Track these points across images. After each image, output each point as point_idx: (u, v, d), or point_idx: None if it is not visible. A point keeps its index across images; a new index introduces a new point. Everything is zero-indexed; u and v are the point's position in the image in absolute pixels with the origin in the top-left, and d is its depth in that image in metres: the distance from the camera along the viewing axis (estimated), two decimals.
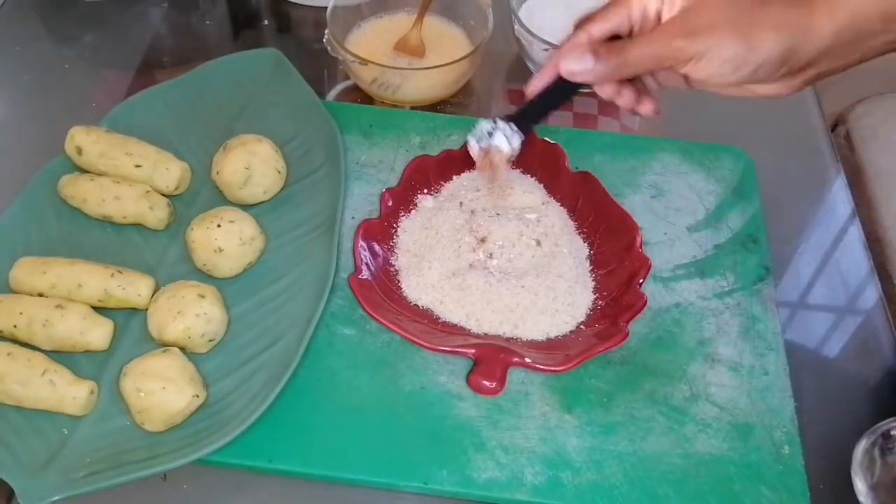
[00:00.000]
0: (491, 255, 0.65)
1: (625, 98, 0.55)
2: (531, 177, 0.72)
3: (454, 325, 0.63)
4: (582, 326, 0.63)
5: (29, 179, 0.68)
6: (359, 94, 0.82)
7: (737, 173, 0.73)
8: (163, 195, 0.67)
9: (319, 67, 0.84)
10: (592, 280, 0.66)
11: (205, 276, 0.64)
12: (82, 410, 0.56)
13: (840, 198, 0.76)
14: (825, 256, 0.71)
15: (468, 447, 0.57)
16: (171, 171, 0.68)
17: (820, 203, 0.76)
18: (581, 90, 0.55)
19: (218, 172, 0.67)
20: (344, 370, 0.60)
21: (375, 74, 0.77)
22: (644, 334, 0.63)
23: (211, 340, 0.60)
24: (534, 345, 0.62)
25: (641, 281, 0.64)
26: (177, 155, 0.70)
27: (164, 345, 0.59)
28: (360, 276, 0.64)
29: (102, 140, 0.68)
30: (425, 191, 0.71)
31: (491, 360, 0.59)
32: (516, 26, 0.80)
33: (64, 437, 0.56)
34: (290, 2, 0.90)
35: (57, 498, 0.52)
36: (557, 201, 0.70)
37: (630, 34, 0.53)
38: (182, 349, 0.58)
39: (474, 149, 0.60)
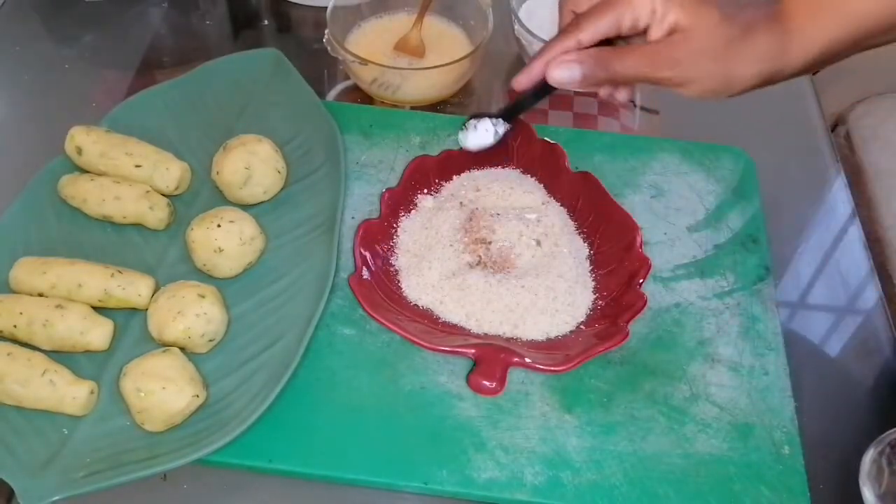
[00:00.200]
0: (491, 255, 0.66)
1: (602, 92, 0.58)
2: (531, 177, 0.72)
3: (454, 325, 0.63)
4: (582, 326, 0.63)
5: (29, 179, 0.68)
6: (359, 94, 0.82)
7: (737, 173, 0.73)
8: (163, 195, 0.67)
9: (319, 67, 0.84)
10: (592, 280, 0.66)
11: (205, 276, 0.64)
12: (82, 410, 0.56)
13: (840, 198, 0.76)
14: (825, 256, 0.71)
15: (468, 447, 0.57)
16: (171, 171, 0.68)
17: (820, 203, 0.76)
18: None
19: (218, 172, 0.67)
20: (344, 370, 0.60)
21: (375, 74, 0.77)
22: (644, 334, 0.63)
23: (211, 340, 0.60)
24: (534, 345, 0.62)
25: (641, 281, 0.64)
26: (177, 155, 0.70)
27: (164, 345, 0.59)
28: (360, 276, 0.64)
29: (102, 140, 0.68)
30: (425, 191, 0.71)
31: (491, 360, 0.59)
32: (516, 26, 0.80)
33: (64, 437, 0.56)
34: (290, 2, 0.90)
35: (57, 498, 0.52)
36: (557, 201, 0.70)
37: (618, 38, 0.55)
38: (182, 349, 0.58)
39: (464, 135, 0.67)
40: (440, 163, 0.72)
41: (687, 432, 0.58)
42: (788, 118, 0.82)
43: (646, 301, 0.62)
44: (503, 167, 0.73)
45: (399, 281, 0.66)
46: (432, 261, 0.65)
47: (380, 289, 0.64)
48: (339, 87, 0.84)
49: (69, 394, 0.56)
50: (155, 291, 0.61)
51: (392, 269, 0.66)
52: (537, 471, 0.56)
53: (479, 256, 0.66)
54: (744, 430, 0.58)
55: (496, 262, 0.65)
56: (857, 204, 0.75)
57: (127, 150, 0.68)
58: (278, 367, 0.58)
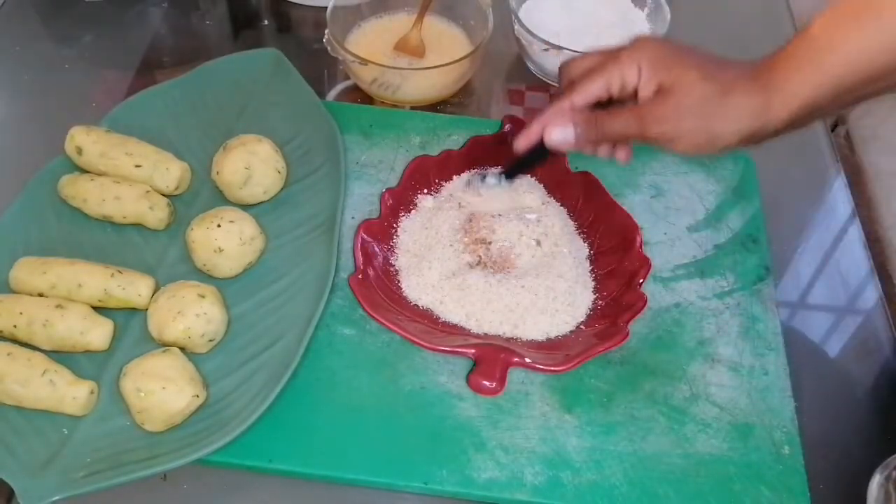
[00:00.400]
0: (491, 255, 0.66)
1: (602, 152, 0.61)
2: (531, 177, 0.72)
3: (454, 325, 0.63)
4: (582, 326, 0.63)
5: (29, 179, 0.68)
6: (359, 94, 0.82)
7: (737, 173, 0.73)
8: (163, 195, 0.67)
9: (319, 67, 0.84)
10: (592, 280, 0.66)
11: (205, 276, 0.64)
12: (82, 410, 0.56)
13: (840, 198, 0.76)
14: (825, 256, 0.71)
15: (468, 447, 0.57)
16: (171, 171, 0.68)
17: (820, 203, 0.76)
18: None
19: (218, 172, 0.67)
20: (344, 370, 0.60)
21: (375, 74, 0.77)
22: (644, 334, 0.63)
23: (211, 340, 0.60)
24: (534, 345, 0.62)
25: (641, 281, 0.64)
26: (177, 155, 0.70)
27: (164, 345, 0.59)
28: (360, 276, 0.64)
29: (102, 140, 0.68)
30: (425, 191, 0.71)
31: (491, 360, 0.59)
32: (516, 26, 0.80)
33: (64, 437, 0.56)
34: (290, 2, 0.90)
35: (57, 498, 0.52)
36: (557, 201, 0.71)
37: (609, 101, 0.58)
38: (182, 349, 0.58)
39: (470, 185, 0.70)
40: (440, 163, 0.72)
41: (687, 432, 0.58)
42: None
43: (646, 301, 0.62)
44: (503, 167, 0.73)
45: (399, 281, 0.66)
46: (432, 261, 0.65)
47: (380, 289, 0.64)
48: (339, 87, 0.84)
49: (69, 394, 0.56)
50: (155, 291, 0.61)
51: (392, 269, 0.66)
52: (537, 471, 0.56)
53: (479, 256, 0.66)
54: (744, 430, 0.58)
55: (496, 262, 0.65)
56: (857, 204, 0.75)
57: (127, 150, 0.68)
58: (278, 367, 0.58)
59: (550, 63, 0.80)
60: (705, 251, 0.68)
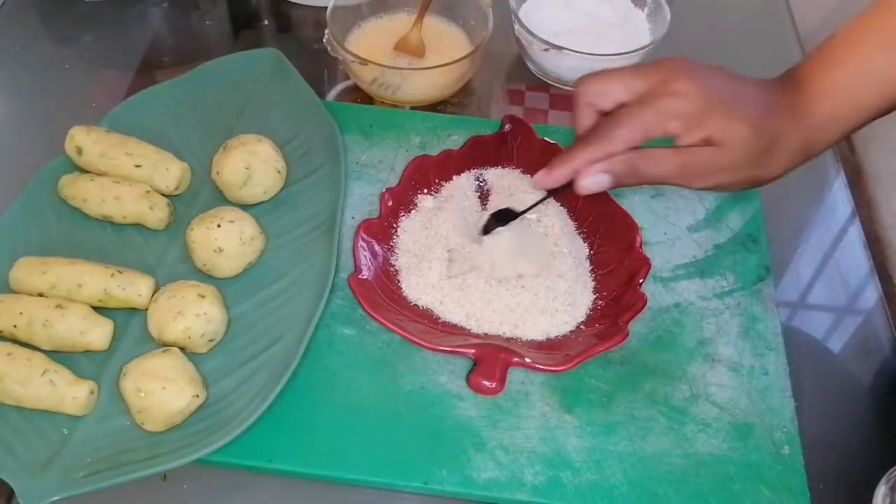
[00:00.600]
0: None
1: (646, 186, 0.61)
2: (531, 177, 0.72)
3: (454, 325, 0.63)
4: (582, 326, 0.63)
5: (29, 179, 0.68)
6: (359, 94, 0.82)
7: None
8: (163, 195, 0.67)
9: (319, 67, 0.84)
10: (592, 280, 0.66)
11: (205, 276, 0.64)
12: (82, 410, 0.56)
13: (840, 198, 0.76)
14: (825, 256, 0.71)
15: (468, 447, 0.57)
16: (171, 171, 0.68)
17: (820, 203, 0.76)
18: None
19: (218, 172, 0.67)
20: (344, 370, 0.60)
21: (375, 74, 0.77)
22: (644, 334, 0.63)
23: (211, 340, 0.60)
24: (534, 345, 0.62)
25: (641, 281, 0.64)
26: (177, 155, 0.70)
27: (164, 345, 0.59)
28: (360, 276, 0.64)
29: (102, 140, 0.68)
30: (425, 191, 0.71)
31: (491, 360, 0.59)
32: (516, 26, 0.80)
33: (64, 437, 0.56)
34: (290, 2, 0.90)
35: (57, 498, 0.52)
36: (557, 201, 0.70)
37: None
38: (182, 349, 0.58)
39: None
40: (440, 163, 0.72)
41: (687, 432, 0.58)
42: None
43: (646, 301, 0.62)
44: (503, 167, 0.73)
45: (399, 281, 0.66)
46: (432, 261, 0.65)
47: (380, 289, 0.64)
48: (339, 87, 0.84)
49: (69, 394, 0.56)
50: (155, 291, 0.61)
51: (392, 269, 0.66)
52: (537, 471, 0.56)
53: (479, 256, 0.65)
54: (744, 430, 0.58)
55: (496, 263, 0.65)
56: (857, 204, 0.75)
57: (127, 150, 0.68)
58: (278, 367, 0.58)
59: (550, 63, 0.80)
60: (705, 251, 0.68)
